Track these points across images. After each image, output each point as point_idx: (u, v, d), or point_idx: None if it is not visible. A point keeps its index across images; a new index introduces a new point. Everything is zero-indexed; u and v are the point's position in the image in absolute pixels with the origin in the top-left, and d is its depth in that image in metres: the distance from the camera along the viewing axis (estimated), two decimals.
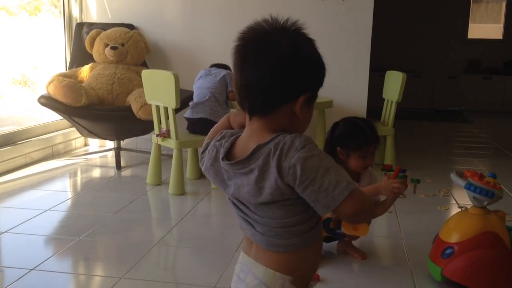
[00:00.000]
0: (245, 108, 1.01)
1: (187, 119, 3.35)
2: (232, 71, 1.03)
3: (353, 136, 2.11)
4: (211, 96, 3.26)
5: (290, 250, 1.02)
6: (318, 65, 1.01)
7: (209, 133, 1.14)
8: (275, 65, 0.96)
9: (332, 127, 2.20)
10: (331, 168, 0.94)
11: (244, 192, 1.00)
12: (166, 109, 3.10)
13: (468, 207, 2.06)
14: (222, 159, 1.02)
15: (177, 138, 3.10)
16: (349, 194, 0.93)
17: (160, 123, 3.23)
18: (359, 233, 1.02)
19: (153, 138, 3.29)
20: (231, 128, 1.13)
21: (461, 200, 3.13)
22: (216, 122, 1.18)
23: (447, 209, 2.99)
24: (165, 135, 3.16)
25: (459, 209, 2.67)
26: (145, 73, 3.30)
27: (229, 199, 1.08)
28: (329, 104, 3.63)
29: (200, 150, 1.11)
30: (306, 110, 1.01)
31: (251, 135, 1.02)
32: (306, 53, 0.99)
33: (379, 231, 2.66)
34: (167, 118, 3.13)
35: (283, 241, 1.01)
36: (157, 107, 3.19)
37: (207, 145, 1.09)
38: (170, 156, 3.38)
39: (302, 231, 1.02)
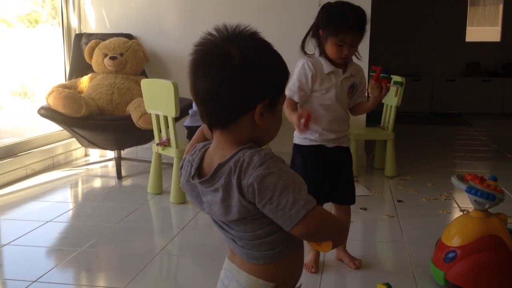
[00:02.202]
0: (205, 122, 1.00)
1: (187, 127, 3.35)
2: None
3: (333, 20, 1.95)
4: None
5: (270, 261, 1.02)
6: (274, 70, 0.98)
7: (187, 148, 1.12)
8: (225, 77, 0.93)
9: (320, 8, 2.04)
10: (290, 186, 0.91)
11: (215, 211, 1.00)
12: (166, 118, 3.10)
13: (470, 210, 2.06)
14: (193, 177, 1.01)
15: (177, 146, 3.10)
16: (306, 213, 0.91)
17: (160, 132, 3.23)
18: (321, 248, 0.99)
19: (154, 147, 3.29)
20: (206, 140, 1.11)
21: (462, 203, 3.12)
22: None
23: (449, 212, 2.99)
24: (165, 144, 3.16)
25: (461, 213, 2.66)
26: (145, 82, 3.31)
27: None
28: None
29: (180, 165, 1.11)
30: (270, 117, 0.98)
31: (216, 148, 1.01)
32: (257, 60, 0.96)
33: (381, 236, 2.65)
34: (167, 127, 3.14)
35: (261, 253, 1.01)
36: (157, 116, 3.20)
37: (184, 160, 1.08)
38: (171, 165, 3.39)
39: (277, 241, 1.01)
